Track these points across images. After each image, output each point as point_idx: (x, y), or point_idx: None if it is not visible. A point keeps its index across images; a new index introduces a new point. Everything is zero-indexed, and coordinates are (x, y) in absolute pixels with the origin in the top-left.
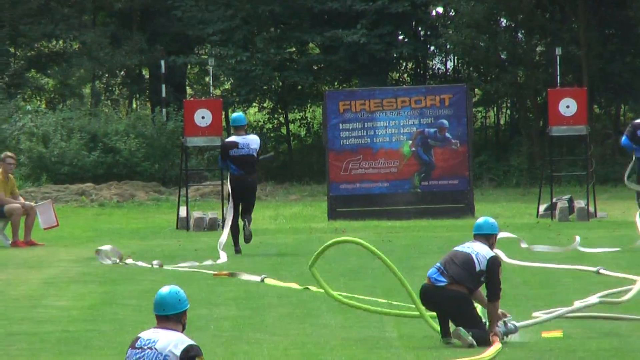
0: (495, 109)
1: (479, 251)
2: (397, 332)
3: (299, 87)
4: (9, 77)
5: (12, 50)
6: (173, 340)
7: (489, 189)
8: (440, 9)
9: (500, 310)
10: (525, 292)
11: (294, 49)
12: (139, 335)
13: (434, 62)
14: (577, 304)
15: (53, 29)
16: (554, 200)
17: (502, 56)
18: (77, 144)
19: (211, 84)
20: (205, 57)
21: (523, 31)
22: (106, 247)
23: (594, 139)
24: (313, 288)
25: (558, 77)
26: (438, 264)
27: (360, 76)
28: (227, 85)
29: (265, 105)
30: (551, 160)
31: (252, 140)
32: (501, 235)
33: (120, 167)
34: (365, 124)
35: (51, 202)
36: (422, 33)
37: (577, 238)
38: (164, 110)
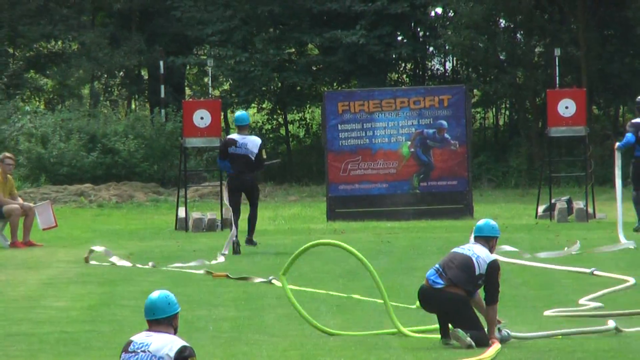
0: (494, 109)
1: (480, 254)
2: (396, 332)
3: (298, 87)
4: (8, 78)
5: (10, 50)
6: (167, 343)
7: (488, 190)
8: (439, 10)
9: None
10: (525, 292)
11: (293, 50)
12: (131, 338)
13: (432, 62)
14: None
15: (52, 30)
16: (552, 201)
17: (501, 57)
18: (76, 144)
19: (210, 84)
20: (204, 57)
21: (522, 32)
22: (99, 249)
23: (593, 140)
24: (309, 289)
25: (557, 77)
26: (437, 266)
27: (359, 77)
28: (226, 86)
29: (264, 106)
30: (550, 161)
31: (252, 142)
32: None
33: (119, 167)
34: (364, 124)
35: (50, 202)
36: (421, 34)
37: (578, 243)
38: (162, 111)
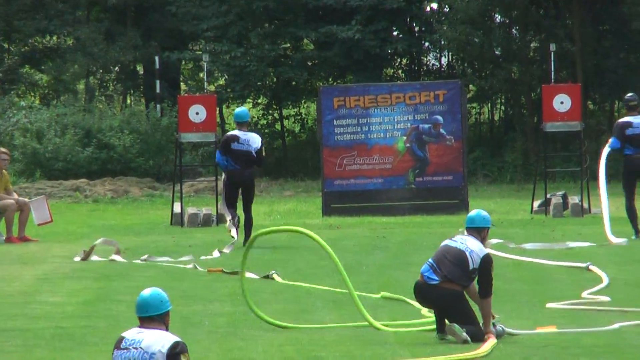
0: (489, 105)
1: (473, 249)
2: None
3: (294, 83)
4: (3, 73)
5: (6, 46)
6: (159, 339)
7: (484, 185)
8: (434, 5)
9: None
10: (520, 287)
11: (289, 45)
12: (123, 335)
13: (428, 58)
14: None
15: (47, 25)
16: (548, 196)
17: (497, 52)
18: (71, 139)
19: (205, 79)
20: (200, 53)
21: (517, 27)
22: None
23: (588, 135)
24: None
25: (552, 73)
26: (430, 261)
27: (355, 72)
28: (222, 81)
29: (259, 101)
30: (545, 156)
31: (253, 138)
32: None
33: (114, 163)
34: (360, 120)
35: (45, 198)
36: (416, 29)
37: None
38: (158, 106)
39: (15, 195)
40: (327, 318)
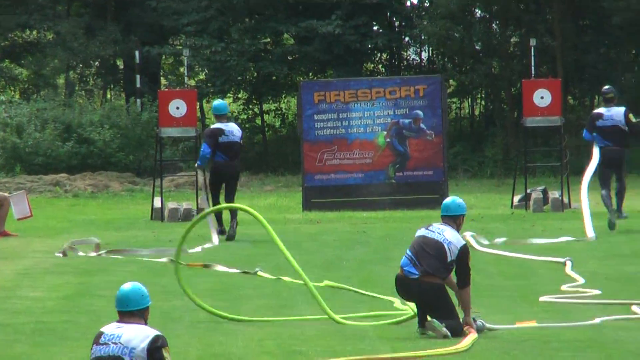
0: (470, 99)
1: (451, 240)
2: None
3: (274, 77)
4: None
5: None
6: (138, 333)
7: (464, 180)
8: (415, 0)
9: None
10: (501, 282)
11: (269, 40)
12: (102, 330)
13: (408, 53)
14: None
15: (27, 19)
16: (528, 191)
17: (477, 47)
18: (51, 134)
19: (186, 74)
20: (180, 47)
21: (498, 22)
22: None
23: (569, 130)
24: (286, 278)
25: (532, 68)
26: (409, 253)
27: (335, 67)
28: (202, 76)
29: (239, 95)
30: (526, 151)
31: (235, 128)
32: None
33: (94, 157)
34: (340, 114)
35: (25, 192)
36: (397, 24)
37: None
38: (138, 100)
39: None
40: (307, 312)
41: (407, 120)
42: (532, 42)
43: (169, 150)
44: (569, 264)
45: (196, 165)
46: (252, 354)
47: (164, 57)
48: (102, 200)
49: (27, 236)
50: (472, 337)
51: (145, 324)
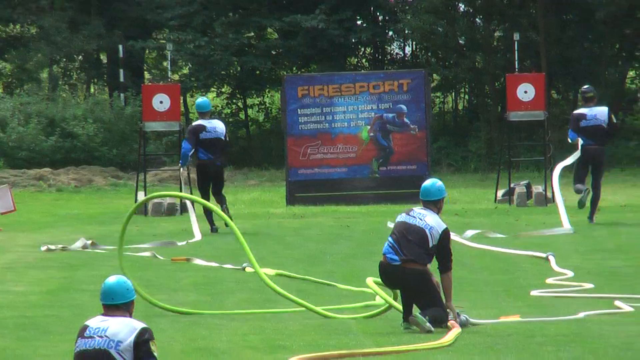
0: (453, 94)
1: (432, 225)
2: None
3: (258, 72)
4: None
5: None
6: (124, 326)
7: (448, 175)
8: None
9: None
10: (485, 277)
11: (253, 34)
12: (86, 323)
13: (392, 47)
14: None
15: (11, 13)
16: (512, 185)
17: (461, 41)
18: (35, 128)
19: (169, 68)
20: (164, 42)
21: (481, 16)
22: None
23: (552, 125)
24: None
25: (516, 62)
26: (391, 240)
27: (319, 61)
28: (186, 70)
29: (223, 90)
30: (509, 146)
31: (218, 125)
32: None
33: (78, 152)
34: (324, 109)
35: (8, 187)
36: (380, 18)
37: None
38: (122, 95)
39: None
40: (291, 307)
41: (390, 115)
42: (516, 36)
43: (153, 145)
44: (551, 259)
45: (179, 166)
46: (236, 349)
47: (147, 51)
48: (86, 195)
49: (10, 230)
50: (455, 331)
51: (131, 317)
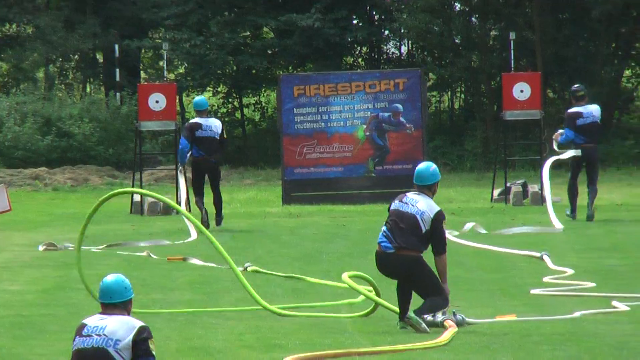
0: (449, 93)
1: (424, 209)
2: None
3: (253, 71)
4: None
5: None
6: (122, 325)
7: (443, 174)
8: None
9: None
10: (480, 276)
11: (249, 33)
12: (84, 322)
13: (388, 46)
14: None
15: (6, 13)
16: (508, 184)
17: (457, 40)
18: (31, 128)
19: (165, 68)
20: (160, 41)
21: (477, 15)
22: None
23: (548, 124)
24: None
25: (512, 61)
26: (385, 229)
27: (315, 60)
28: (181, 70)
29: (219, 89)
30: (505, 145)
31: (215, 124)
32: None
33: (74, 151)
34: (320, 108)
35: (4, 186)
36: (376, 17)
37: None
38: (118, 94)
39: None
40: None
41: (386, 114)
42: (512, 35)
43: (149, 144)
44: (546, 258)
45: (179, 166)
46: (231, 348)
47: (143, 50)
48: (82, 194)
49: (6, 230)
50: (451, 331)
51: (129, 315)
